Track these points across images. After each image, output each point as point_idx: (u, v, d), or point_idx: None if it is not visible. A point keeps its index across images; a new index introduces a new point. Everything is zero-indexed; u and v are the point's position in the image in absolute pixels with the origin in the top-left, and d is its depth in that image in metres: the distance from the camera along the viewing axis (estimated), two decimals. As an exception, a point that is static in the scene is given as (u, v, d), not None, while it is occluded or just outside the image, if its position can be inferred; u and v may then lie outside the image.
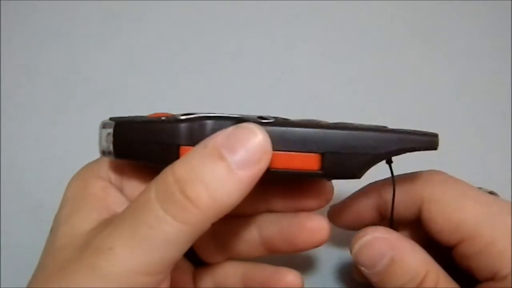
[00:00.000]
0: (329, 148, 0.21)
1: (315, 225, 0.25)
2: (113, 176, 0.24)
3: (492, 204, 0.23)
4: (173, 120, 0.21)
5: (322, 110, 0.36)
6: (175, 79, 0.37)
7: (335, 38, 0.39)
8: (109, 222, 0.20)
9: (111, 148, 0.22)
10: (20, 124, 0.36)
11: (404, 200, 0.25)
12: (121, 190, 0.24)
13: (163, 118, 0.22)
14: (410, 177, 0.25)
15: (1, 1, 0.39)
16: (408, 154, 0.22)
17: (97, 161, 0.24)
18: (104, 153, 0.22)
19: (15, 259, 0.32)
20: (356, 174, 0.22)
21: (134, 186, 0.24)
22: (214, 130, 0.20)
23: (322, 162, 0.21)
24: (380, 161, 0.22)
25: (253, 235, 0.26)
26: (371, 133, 0.21)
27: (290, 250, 0.26)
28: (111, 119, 0.22)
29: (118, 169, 0.24)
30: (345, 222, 0.28)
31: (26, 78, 0.37)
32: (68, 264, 0.20)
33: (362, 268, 0.23)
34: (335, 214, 0.28)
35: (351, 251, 0.23)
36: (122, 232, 0.19)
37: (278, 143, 0.21)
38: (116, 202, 0.23)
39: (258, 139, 0.19)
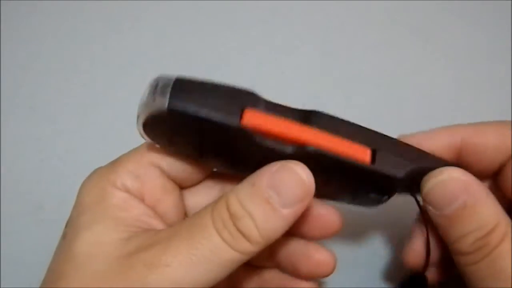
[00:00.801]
0: (381, 146, 0.22)
1: (322, 258, 0.25)
2: (130, 186, 0.23)
3: None
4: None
5: (322, 110, 0.36)
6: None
7: (335, 38, 0.39)
8: (154, 237, 0.21)
9: (164, 99, 0.20)
10: (20, 124, 0.36)
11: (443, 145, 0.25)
12: (142, 199, 0.23)
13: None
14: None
15: (1, 1, 0.39)
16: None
17: (111, 169, 0.23)
18: (149, 106, 0.20)
19: (15, 259, 0.32)
20: (397, 174, 0.22)
21: (155, 196, 0.24)
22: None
23: (373, 156, 0.21)
24: (414, 176, 0.22)
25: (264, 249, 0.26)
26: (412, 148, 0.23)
27: (293, 275, 0.26)
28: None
29: (136, 178, 0.23)
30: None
31: (26, 78, 0.37)
32: (109, 277, 0.20)
33: (430, 208, 0.22)
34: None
35: (421, 189, 0.22)
36: (179, 251, 0.20)
37: (335, 130, 0.21)
38: (141, 214, 0.23)
39: (302, 181, 0.20)
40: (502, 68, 0.38)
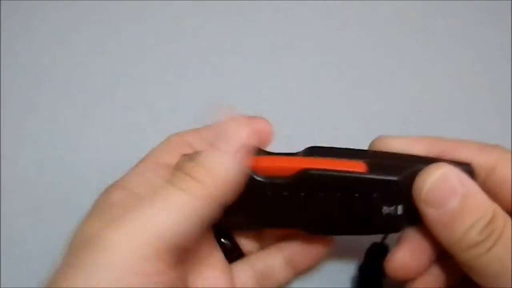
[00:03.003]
0: (374, 159, 0.24)
1: None
2: None
3: None
4: None
5: (322, 110, 0.36)
6: (175, 80, 0.37)
7: (335, 38, 0.39)
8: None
9: None
10: (20, 124, 0.36)
11: None
12: None
13: None
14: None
15: (1, 1, 0.39)
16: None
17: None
18: None
19: (15, 259, 0.32)
20: (394, 178, 0.23)
21: None
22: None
23: (368, 166, 0.23)
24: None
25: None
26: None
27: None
28: None
29: None
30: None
31: (26, 78, 0.37)
32: None
33: (429, 210, 0.22)
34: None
35: (417, 192, 0.22)
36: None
37: (330, 155, 0.24)
38: None
39: (243, 130, 0.22)
40: (502, 68, 0.38)
